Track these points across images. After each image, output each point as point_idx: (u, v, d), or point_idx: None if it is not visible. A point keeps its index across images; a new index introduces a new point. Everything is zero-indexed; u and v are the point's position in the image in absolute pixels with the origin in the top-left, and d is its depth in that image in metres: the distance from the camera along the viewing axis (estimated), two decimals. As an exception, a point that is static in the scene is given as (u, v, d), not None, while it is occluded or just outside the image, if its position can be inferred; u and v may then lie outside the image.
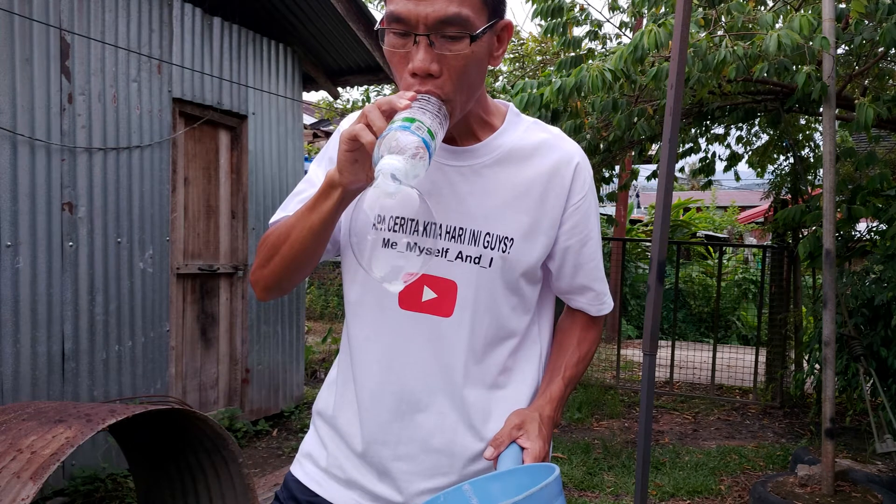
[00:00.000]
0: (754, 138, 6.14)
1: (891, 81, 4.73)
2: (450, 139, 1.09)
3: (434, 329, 1.09)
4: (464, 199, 1.09)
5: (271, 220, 1.16)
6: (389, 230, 1.06)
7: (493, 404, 1.13)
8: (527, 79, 4.48)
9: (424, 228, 1.06)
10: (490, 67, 1.08)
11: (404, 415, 1.11)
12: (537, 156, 1.12)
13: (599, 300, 1.21)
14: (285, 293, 1.19)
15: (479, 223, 1.08)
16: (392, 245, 1.06)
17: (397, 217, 1.06)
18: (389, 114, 0.93)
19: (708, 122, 5.12)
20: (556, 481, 0.85)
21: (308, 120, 11.84)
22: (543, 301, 1.21)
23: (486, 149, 1.10)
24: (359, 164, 0.95)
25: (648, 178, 6.11)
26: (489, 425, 1.12)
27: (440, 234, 1.07)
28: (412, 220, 1.06)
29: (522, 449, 1.03)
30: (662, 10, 4.24)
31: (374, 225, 1.05)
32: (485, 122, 1.12)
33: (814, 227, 4.35)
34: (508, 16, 1.07)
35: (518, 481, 0.97)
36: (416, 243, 1.06)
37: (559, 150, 1.13)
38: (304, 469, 1.21)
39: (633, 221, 13.76)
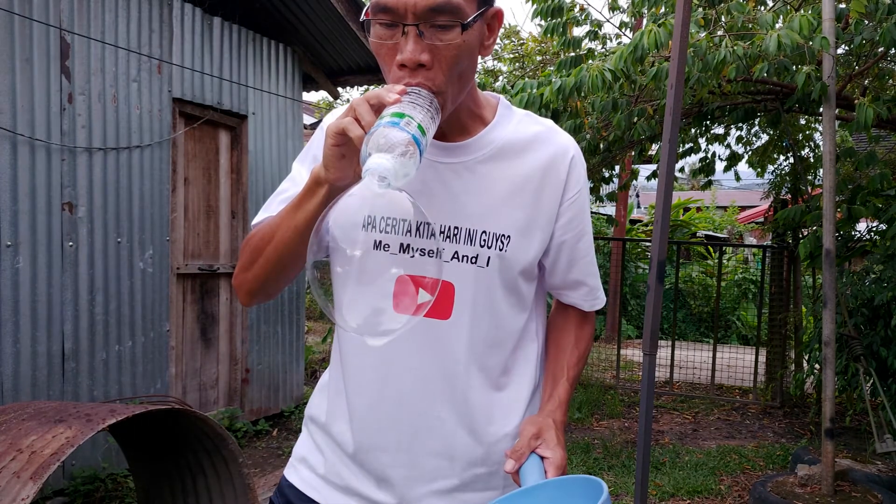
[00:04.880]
0: (754, 138, 6.14)
1: (891, 81, 4.73)
2: (440, 135, 1.05)
3: (432, 332, 1.05)
4: (458, 197, 1.05)
5: (253, 222, 1.12)
6: (381, 232, 1.01)
7: (495, 406, 1.11)
8: (527, 79, 4.49)
9: (417, 229, 1.01)
10: (480, 58, 1.04)
11: (403, 420, 1.08)
12: (531, 150, 1.08)
13: (593, 295, 1.19)
14: (271, 298, 1.13)
15: (475, 222, 1.04)
16: (384, 247, 1.02)
17: (388, 218, 1.01)
18: (378, 108, 0.88)
19: (708, 122, 5.12)
20: (607, 501, 0.80)
21: (308, 120, 11.84)
22: (538, 298, 1.18)
23: (479, 144, 1.07)
24: (346, 159, 0.91)
25: (648, 178, 6.11)
26: (490, 428, 1.10)
27: (434, 235, 1.02)
28: (403, 220, 1.01)
29: (542, 459, 1.00)
30: (662, 10, 4.24)
31: (363, 226, 1.01)
32: (476, 115, 1.08)
33: (814, 227, 4.35)
34: (501, 7, 1.03)
35: (549, 494, 0.93)
36: (409, 244, 1.02)
37: (553, 143, 1.10)
38: (299, 474, 1.18)
39: (633, 221, 13.76)
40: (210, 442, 2.71)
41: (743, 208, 16.12)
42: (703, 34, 3.49)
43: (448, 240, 1.04)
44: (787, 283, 6.06)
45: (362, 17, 0.97)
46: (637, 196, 19.95)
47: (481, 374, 1.09)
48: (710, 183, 6.22)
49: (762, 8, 4.09)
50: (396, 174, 0.82)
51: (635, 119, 4.35)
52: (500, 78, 8.32)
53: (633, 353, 8.66)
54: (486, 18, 1.00)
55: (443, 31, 0.92)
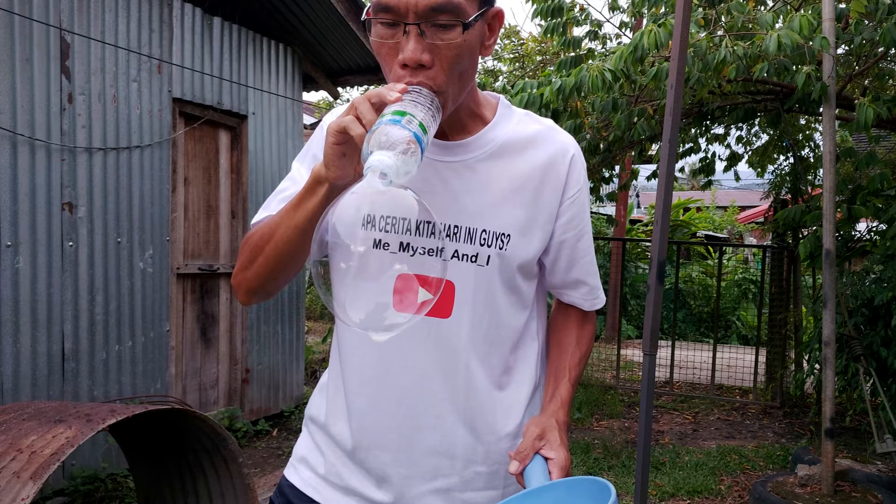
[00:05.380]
0: (754, 138, 6.15)
1: (891, 81, 4.73)
2: (441, 133, 1.05)
3: (433, 331, 1.05)
4: (458, 195, 1.05)
5: (253, 221, 1.11)
6: (381, 230, 1.01)
7: (495, 404, 1.11)
8: (527, 79, 4.49)
9: (417, 227, 1.01)
10: (481, 58, 1.04)
11: (404, 419, 1.08)
12: (531, 148, 1.09)
13: (593, 294, 1.19)
14: (270, 297, 1.12)
15: (475, 220, 1.05)
16: (384, 246, 1.02)
17: (388, 216, 1.01)
18: (379, 106, 0.88)
19: (708, 122, 5.12)
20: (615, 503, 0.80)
21: (308, 120, 11.84)
22: (538, 297, 1.18)
23: (479, 143, 1.07)
24: (347, 157, 0.91)
25: (648, 178, 6.11)
26: (491, 426, 1.10)
27: (434, 233, 1.02)
28: (403, 218, 1.01)
29: (546, 459, 1.00)
30: (662, 10, 4.25)
31: (362, 225, 1.00)
32: (476, 114, 1.09)
33: (814, 227, 4.35)
34: (501, 7, 1.03)
35: (555, 496, 0.92)
36: (409, 243, 1.01)
37: (554, 142, 1.10)
38: (300, 475, 1.18)
39: (633, 221, 13.77)
40: (210, 442, 2.71)
41: (743, 208, 16.12)
42: (703, 34, 3.50)
43: (448, 238, 1.04)
44: (787, 283, 6.06)
45: (363, 16, 0.97)
46: (637, 196, 19.95)
47: (482, 372, 1.09)
48: (710, 183, 6.21)
49: (762, 8, 4.09)
50: (398, 171, 0.82)
51: (635, 119, 4.35)
52: (500, 78, 8.33)
53: (633, 353, 8.65)
54: (487, 18, 1.00)
55: (444, 30, 0.93)
